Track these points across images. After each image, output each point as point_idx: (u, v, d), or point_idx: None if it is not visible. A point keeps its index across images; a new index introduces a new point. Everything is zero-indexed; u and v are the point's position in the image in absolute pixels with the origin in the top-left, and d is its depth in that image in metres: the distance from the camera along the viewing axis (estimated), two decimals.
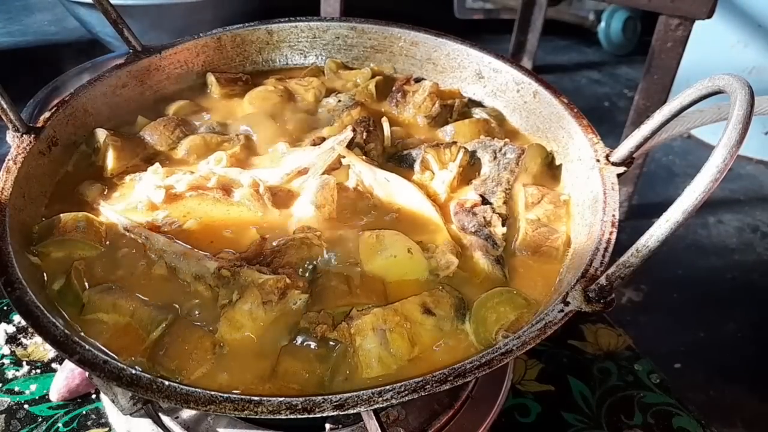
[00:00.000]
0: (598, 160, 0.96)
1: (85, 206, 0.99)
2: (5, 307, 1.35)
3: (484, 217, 0.97)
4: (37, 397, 1.18)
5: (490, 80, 1.25)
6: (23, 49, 3.55)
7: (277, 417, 0.66)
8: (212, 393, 0.67)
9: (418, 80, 1.28)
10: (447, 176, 1.06)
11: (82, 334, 0.80)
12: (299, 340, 0.81)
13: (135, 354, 0.79)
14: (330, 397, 0.67)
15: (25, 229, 0.91)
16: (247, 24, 1.33)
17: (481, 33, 4.47)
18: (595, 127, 1.03)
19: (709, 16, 2.38)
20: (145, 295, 0.86)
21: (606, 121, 3.87)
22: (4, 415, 1.15)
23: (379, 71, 1.34)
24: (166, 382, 0.68)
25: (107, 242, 0.93)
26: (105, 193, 1.03)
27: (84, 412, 1.16)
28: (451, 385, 0.68)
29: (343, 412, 0.66)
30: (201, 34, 1.29)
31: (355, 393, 0.67)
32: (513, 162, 1.07)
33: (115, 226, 0.96)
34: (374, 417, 0.77)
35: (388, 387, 0.68)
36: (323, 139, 1.11)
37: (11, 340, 1.29)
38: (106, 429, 1.13)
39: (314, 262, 0.91)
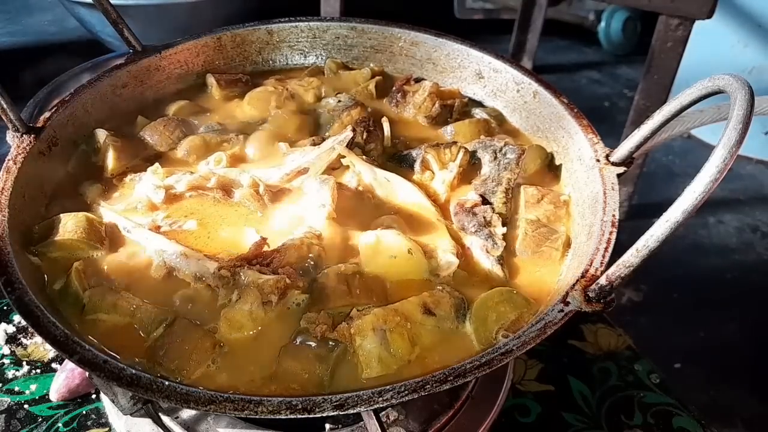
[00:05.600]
0: (598, 160, 0.96)
1: (85, 206, 0.99)
2: (5, 307, 1.35)
3: (484, 217, 0.97)
4: (37, 397, 1.18)
5: (490, 80, 1.25)
6: (23, 49, 3.54)
7: (277, 417, 0.66)
8: (212, 393, 0.67)
9: (418, 80, 1.28)
10: (447, 176, 1.06)
11: (83, 334, 0.80)
12: (299, 340, 0.81)
13: (135, 354, 0.79)
14: (330, 397, 0.67)
15: (25, 229, 0.91)
16: (247, 24, 1.33)
17: (481, 33, 4.47)
18: (595, 127, 1.03)
19: (709, 16, 2.38)
20: (146, 295, 0.86)
21: (606, 121, 3.87)
22: (4, 415, 1.15)
23: (379, 71, 1.34)
24: (166, 382, 0.68)
25: (107, 242, 0.93)
26: (105, 193, 1.03)
27: (84, 412, 1.16)
28: (451, 385, 0.68)
29: (343, 412, 0.66)
30: (201, 34, 1.29)
31: (355, 393, 0.67)
32: (513, 162, 1.07)
33: (115, 226, 0.96)
34: (374, 417, 0.77)
35: (388, 387, 0.68)
36: (323, 139, 1.11)
37: (11, 340, 1.29)
38: (106, 429, 1.13)
39: (314, 263, 0.91)
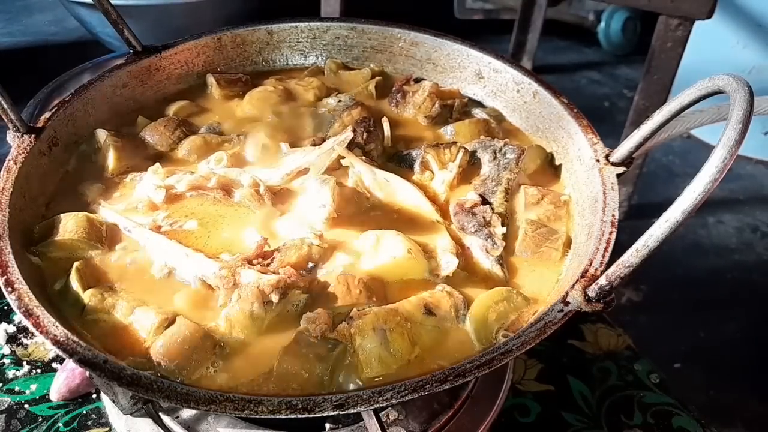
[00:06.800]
0: (597, 160, 0.96)
1: (85, 206, 0.99)
2: (5, 307, 1.35)
3: (483, 217, 0.97)
4: (37, 397, 1.18)
5: (490, 80, 1.25)
6: (23, 49, 3.55)
7: (277, 417, 0.66)
8: (212, 393, 0.67)
9: (418, 80, 1.28)
10: (447, 176, 1.06)
11: (83, 334, 0.80)
12: (299, 340, 0.81)
13: (135, 354, 0.79)
14: (330, 396, 0.67)
15: (25, 229, 0.91)
16: (247, 24, 1.33)
17: (481, 33, 4.47)
18: (595, 127, 1.03)
19: (709, 16, 2.38)
20: (146, 295, 0.87)
21: (606, 121, 3.87)
22: (4, 415, 1.15)
23: (379, 71, 1.34)
24: (166, 382, 0.68)
25: (107, 242, 0.93)
26: (105, 193, 1.03)
27: (84, 412, 1.16)
28: (451, 385, 0.68)
29: (343, 412, 0.66)
30: (201, 35, 1.29)
31: (355, 393, 0.67)
32: (513, 162, 1.07)
33: (115, 226, 0.96)
34: (374, 417, 0.78)
35: (388, 387, 0.68)
36: (323, 139, 1.11)
37: (12, 340, 1.29)
38: (107, 429, 1.13)
39: (314, 263, 0.91)
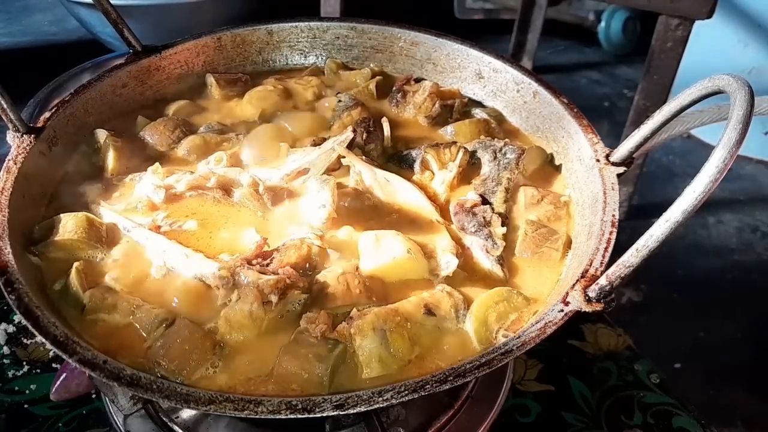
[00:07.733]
0: (598, 160, 0.96)
1: (85, 206, 0.99)
2: (5, 307, 1.35)
3: (483, 217, 0.97)
4: (37, 397, 1.18)
5: (490, 80, 1.25)
6: (23, 49, 3.55)
7: (277, 417, 0.66)
8: (212, 393, 0.67)
9: (418, 80, 1.28)
10: (447, 176, 1.06)
11: (83, 334, 0.80)
12: (299, 340, 0.81)
13: (135, 354, 0.79)
14: (330, 397, 0.67)
15: (25, 229, 0.91)
16: (247, 24, 1.33)
17: (481, 33, 4.47)
18: (595, 127, 1.03)
19: (709, 16, 2.38)
20: (146, 295, 0.86)
21: (606, 121, 3.87)
22: (4, 415, 1.15)
23: (379, 71, 1.34)
24: (166, 382, 0.68)
25: (107, 242, 0.93)
26: (105, 193, 1.03)
27: (84, 412, 1.16)
28: (450, 385, 0.68)
29: (343, 412, 0.66)
30: (201, 34, 1.29)
31: (355, 393, 0.67)
32: (513, 162, 1.07)
33: (115, 226, 0.96)
34: (374, 417, 0.77)
35: (388, 387, 0.68)
36: (323, 140, 1.11)
37: (12, 340, 1.29)
38: (106, 429, 1.13)
39: (314, 263, 0.91)
